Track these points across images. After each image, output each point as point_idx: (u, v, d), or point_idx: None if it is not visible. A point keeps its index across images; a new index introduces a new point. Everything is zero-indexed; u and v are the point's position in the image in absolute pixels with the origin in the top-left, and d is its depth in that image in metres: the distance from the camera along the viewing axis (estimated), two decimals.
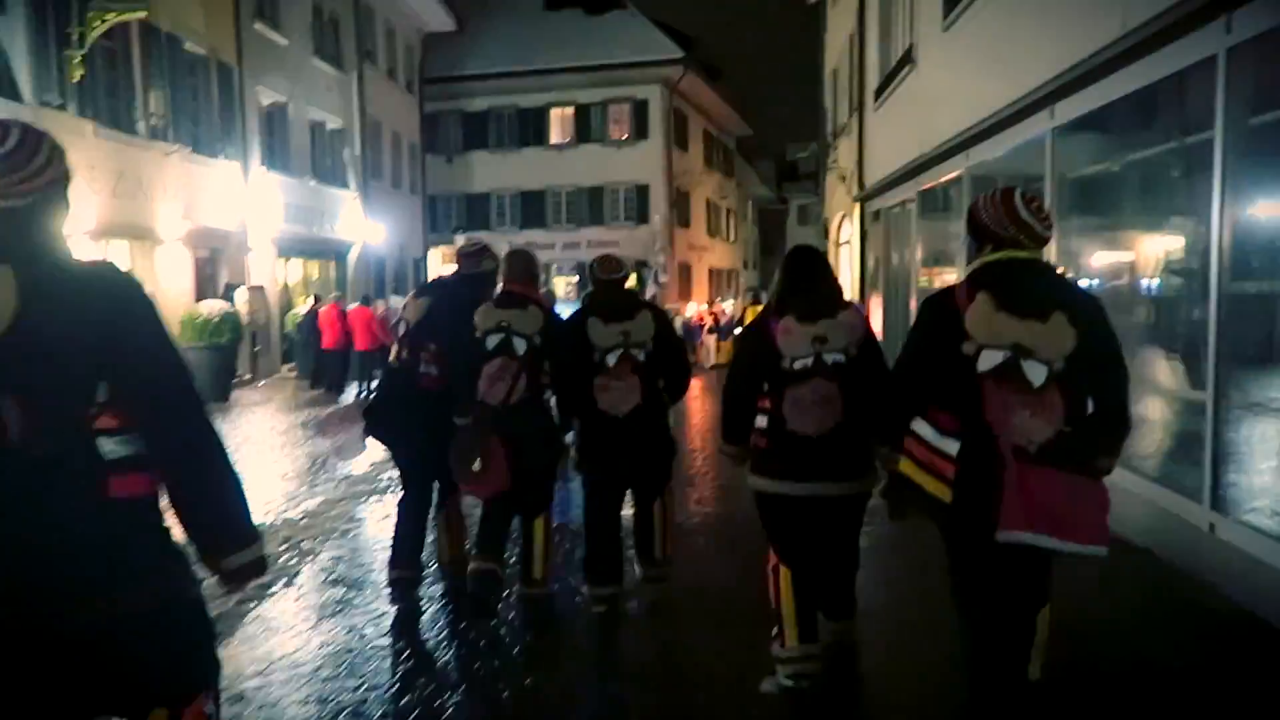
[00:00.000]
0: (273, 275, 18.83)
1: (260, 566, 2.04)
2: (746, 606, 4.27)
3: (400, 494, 4.89)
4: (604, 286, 4.46)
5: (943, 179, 10.53)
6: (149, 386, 1.88)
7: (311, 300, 17.63)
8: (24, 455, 1.72)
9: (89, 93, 13.16)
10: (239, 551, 1.99)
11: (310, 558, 5.61)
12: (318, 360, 16.02)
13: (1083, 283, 7.04)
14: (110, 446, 1.82)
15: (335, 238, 21.72)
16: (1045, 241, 2.79)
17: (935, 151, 10.15)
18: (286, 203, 19.19)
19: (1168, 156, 5.70)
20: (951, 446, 2.66)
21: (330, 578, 5.23)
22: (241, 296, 16.52)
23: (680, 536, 5.37)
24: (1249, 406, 4.77)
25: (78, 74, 12.78)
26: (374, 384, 14.73)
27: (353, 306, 16.00)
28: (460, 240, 27.29)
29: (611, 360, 4.24)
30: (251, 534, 2.02)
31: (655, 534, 4.66)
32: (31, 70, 12.03)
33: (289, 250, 19.65)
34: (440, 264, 28.65)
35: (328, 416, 12.68)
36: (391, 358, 4.91)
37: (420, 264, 27.75)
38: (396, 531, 4.80)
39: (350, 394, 15.10)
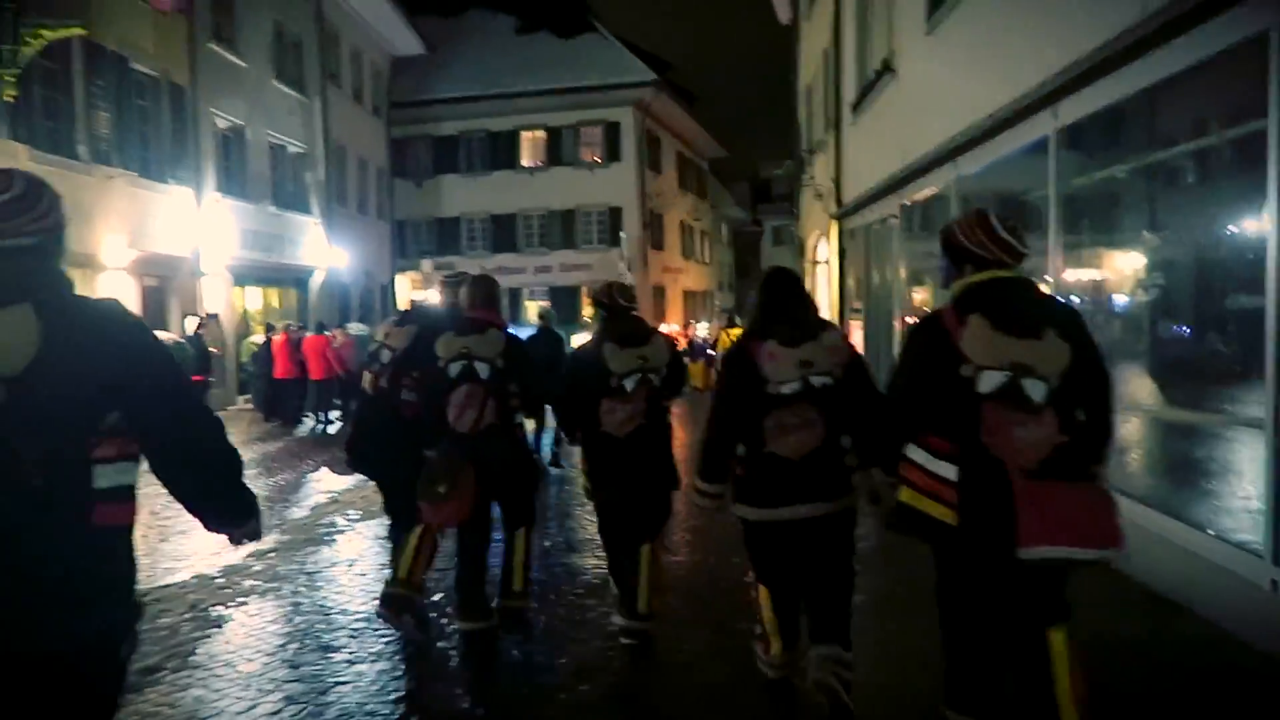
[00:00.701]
0: (229, 303, 18.02)
1: (258, 532, 2.32)
2: (724, 681, 3.87)
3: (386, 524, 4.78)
4: (620, 314, 4.47)
5: (928, 192, 9.92)
6: (167, 404, 2.04)
7: (266, 330, 16.80)
8: (20, 484, 1.81)
9: (23, 114, 12.47)
10: (245, 524, 2.27)
11: (215, 629, 4.82)
12: (270, 391, 15.17)
13: (1078, 301, 6.41)
14: (104, 476, 1.92)
15: (297, 264, 20.93)
16: (1024, 259, 2.81)
17: (920, 163, 9.55)
18: (244, 229, 18.42)
19: (1197, 156, 5.07)
20: (947, 470, 2.67)
21: (232, 652, 4.45)
22: (192, 324, 15.64)
23: None
24: None
25: (10, 94, 12.05)
26: (330, 414, 14.00)
27: (308, 335, 15.19)
28: (427, 266, 26.76)
29: (630, 385, 4.27)
30: (253, 507, 2.28)
31: (642, 583, 4.33)
32: None
33: (246, 278, 18.85)
34: (409, 290, 27.93)
35: (277, 453, 11.83)
36: (368, 385, 4.70)
37: (387, 290, 27.07)
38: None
39: (305, 427, 14.27)
